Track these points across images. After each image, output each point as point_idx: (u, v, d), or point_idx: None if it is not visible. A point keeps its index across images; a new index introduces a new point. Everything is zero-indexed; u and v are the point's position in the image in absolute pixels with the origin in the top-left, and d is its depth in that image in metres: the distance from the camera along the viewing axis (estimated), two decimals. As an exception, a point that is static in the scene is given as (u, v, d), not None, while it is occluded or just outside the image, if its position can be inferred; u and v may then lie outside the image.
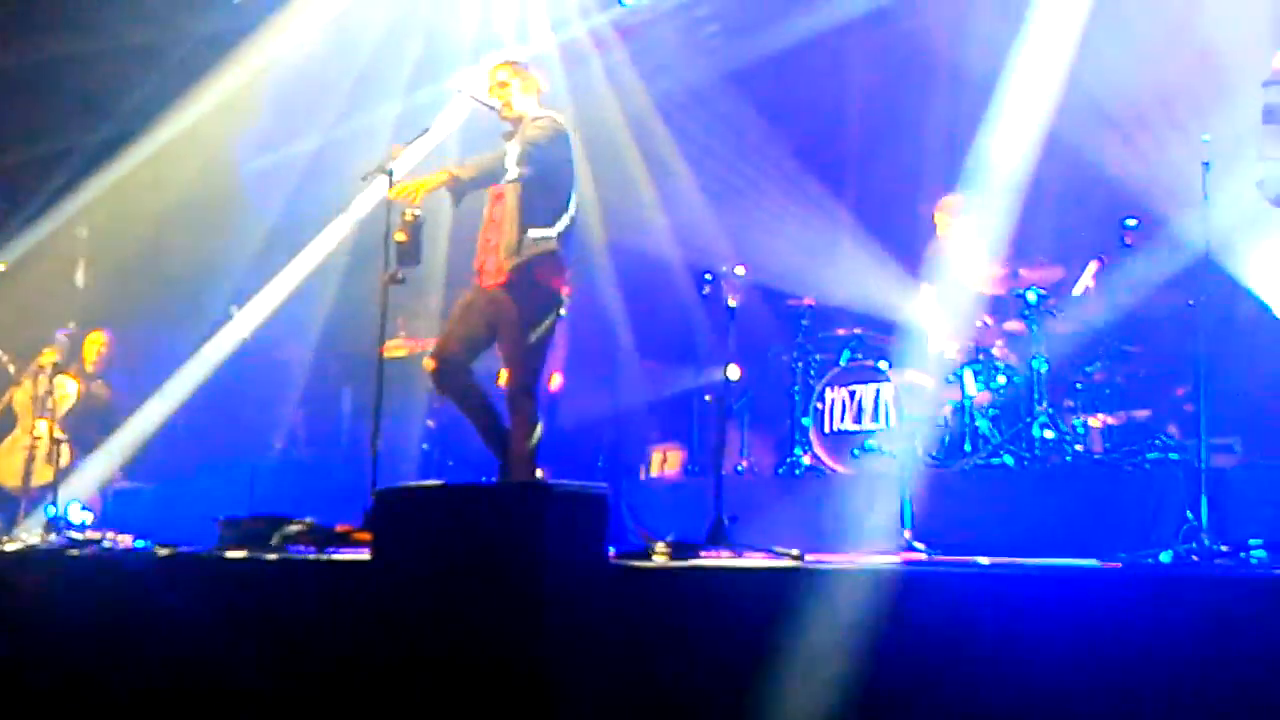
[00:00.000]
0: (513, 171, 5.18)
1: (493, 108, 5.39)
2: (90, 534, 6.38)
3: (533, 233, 5.15)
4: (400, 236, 5.14)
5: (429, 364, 5.32)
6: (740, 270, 5.64)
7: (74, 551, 5.57)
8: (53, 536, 6.34)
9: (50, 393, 7.27)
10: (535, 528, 3.59)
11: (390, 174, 5.26)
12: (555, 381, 7.79)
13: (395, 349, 6.79)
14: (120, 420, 8.06)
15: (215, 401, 8.49)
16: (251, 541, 4.76)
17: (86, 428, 7.87)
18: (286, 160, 8.89)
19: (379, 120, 8.09)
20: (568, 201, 5.26)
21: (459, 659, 3.50)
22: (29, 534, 6.65)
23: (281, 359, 9.07)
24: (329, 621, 3.91)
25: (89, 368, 8.20)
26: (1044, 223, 7.67)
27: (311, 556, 4.56)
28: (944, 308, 6.98)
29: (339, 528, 4.90)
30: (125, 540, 6.02)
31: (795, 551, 4.70)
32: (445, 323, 5.46)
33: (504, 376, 5.22)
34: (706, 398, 7.96)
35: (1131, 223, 6.21)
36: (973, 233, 7.03)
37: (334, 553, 4.60)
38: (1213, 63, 6.47)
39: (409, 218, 5.19)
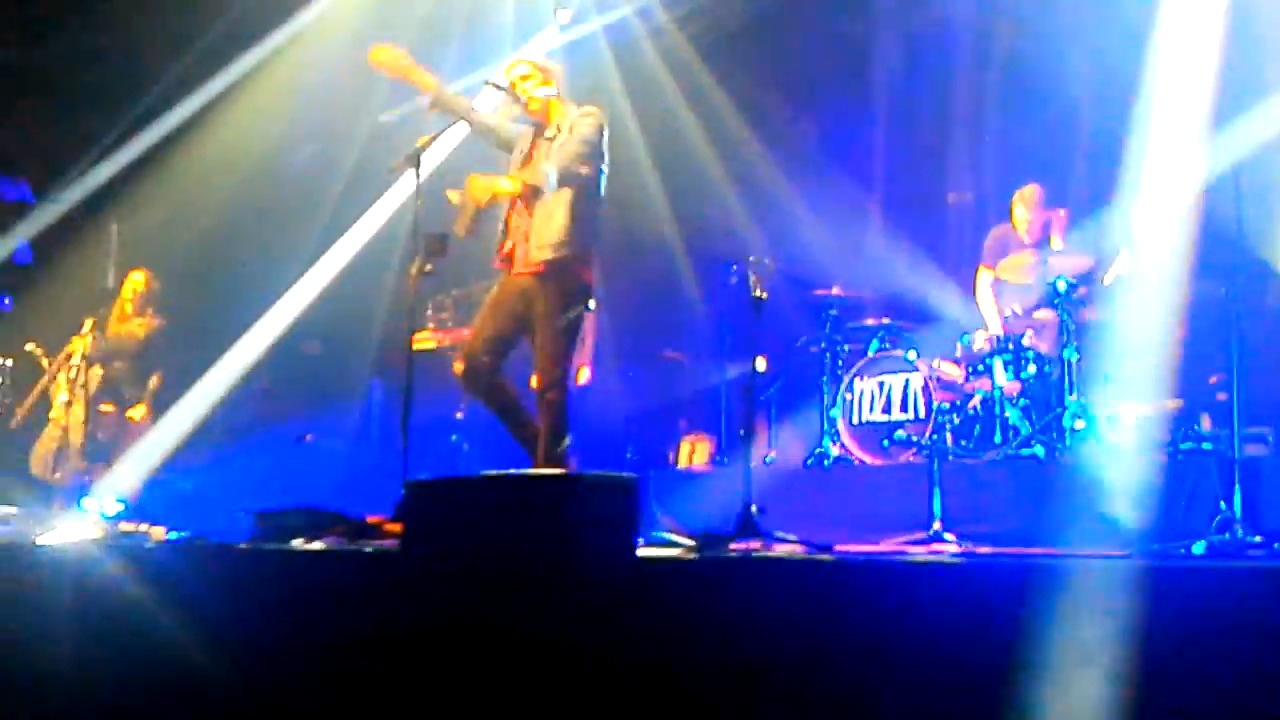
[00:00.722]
0: (553, 164, 5.15)
1: (519, 100, 5.40)
2: (125, 525, 6.43)
3: (573, 226, 5.16)
4: (454, 197, 5.13)
5: (458, 366, 5.34)
6: (768, 261, 5.64)
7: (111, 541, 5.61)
8: (96, 529, 6.38)
9: (84, 384, 7.34)
10: (564, 518, 3.60)
11: (419, 165, 5.27)
12: (584, 375, 7.81)
13: (425, 340, 6.81)
14: (157, 358, 8.05)
15: (247, 393, 8.55)
16: (283, 534, 4.80)
17: (122, 379, 7.87)
18: (333, 153, 8.92)
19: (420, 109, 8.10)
20: (600, 194, 5.28)
21: (488, 650, 3.51)
22: (66, 525, 6.71)
23: (312, 350, 9.12)
24: (359, 613, 3.93)
25: (127, 308, 8.15)
26: (1076, 213, 7.64)
27: (343, 548, 4.59)
28: (996, 294, 7.04)
29: (370, 519, 4.94)
30: (159, 532, 6.07)
31: (825, 543, 4.70)
32: (474, 320, 5.44)
33: (535, 378, 5.23)
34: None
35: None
36: (1041, 224, 7.05)
37: (365, 544, 4.64)
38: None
39: (456, 199, 5.19)
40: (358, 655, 3.79)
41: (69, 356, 7.50)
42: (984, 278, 7.18)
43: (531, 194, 5.15)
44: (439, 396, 7.57)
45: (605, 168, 5.31)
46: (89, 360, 7.44)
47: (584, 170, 5.18)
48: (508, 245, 5.30)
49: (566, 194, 5.16)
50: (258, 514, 5.08)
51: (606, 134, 5.32)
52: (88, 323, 7.49)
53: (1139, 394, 6.33)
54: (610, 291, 8.34)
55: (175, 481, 8.15)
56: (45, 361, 7.98)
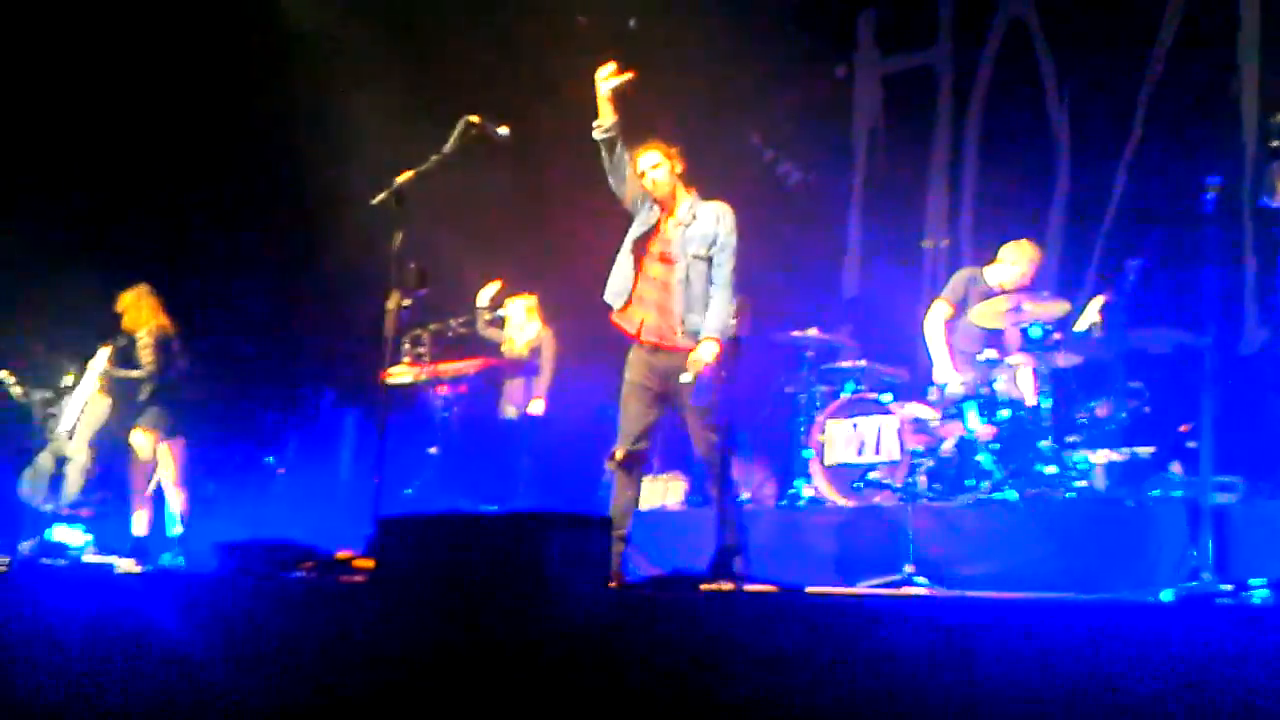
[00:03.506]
0: (693, 251, 5.36)
1: (499, 140, 5.45)
2: (89, 556, 6.38)
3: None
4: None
5: (619, 456, 5.43)
6: (745, 301, 5.66)
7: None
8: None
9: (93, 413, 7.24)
10: (536, 557, 3.59)
11: (401, 199, 5.28)
12: (538, 407, 7.82)
13: (400, 374, 6.79)
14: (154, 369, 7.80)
15: (218, 425, 8.49)
16: (252, 567, 4.76)
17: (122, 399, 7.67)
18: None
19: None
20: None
21: (456, 689, 3.49)
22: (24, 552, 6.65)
23: (287, 383, 9.09)
24: (328, 649, 3.90)
25: (125, 324, 7.79)
26: (1049, 258, 7.72)
27: (312, 582, 4.55)
28: (958, 336, 7.01)
29: (340, 554, 4.90)
30: (128, 564, 6.02)
31: (797, 584, 4.69)
32: (622, 414, 5.53)
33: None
34: None
35: (1134, 263, 6.25)
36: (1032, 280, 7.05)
37: (335, 580, 4.60)
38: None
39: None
40: (325, 691, 3.76)
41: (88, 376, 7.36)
42: (938, 310, 7.08)
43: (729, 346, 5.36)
44: (413, 430, 7.56)
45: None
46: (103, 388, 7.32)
47: (726, 261, 5.40)
48: (637, 316, 5.44)
49: (695, 279, 5.36)
50: (226, 547, 5.05)
51: None
52: (105, 350, 7.35)
53: (1110, 440, 6.38)
54: (589, 329, 8.37)
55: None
56: (16, 390, 7.86)
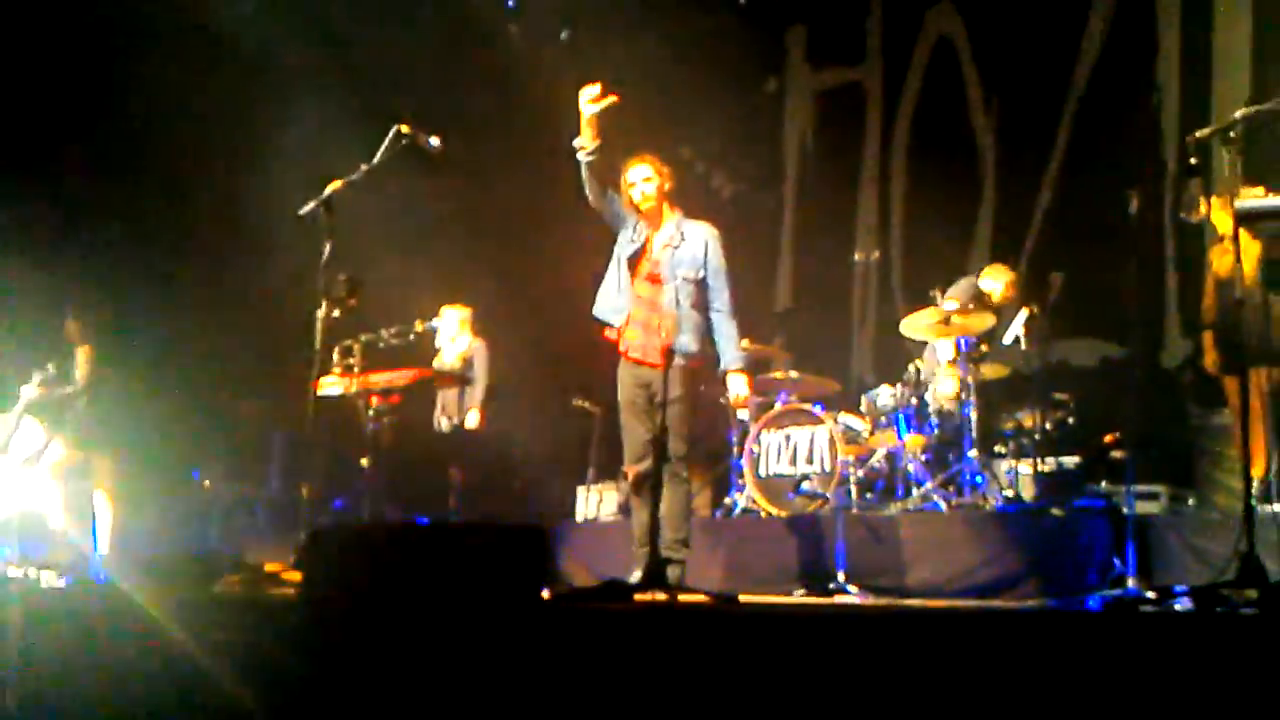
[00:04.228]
0: (682, 273, 5.40)
1: (430, 150, 5.42)
2: (11, 568, 6.21)
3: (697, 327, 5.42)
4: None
5: (630, 478, 5.43)
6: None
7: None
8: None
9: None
10: (467, 567, 3.56)
11: (330, 206, 5.22)
12: (474, 419, 7.78)
13: (330, 384, 6.71)
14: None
15: (145, 435, 8.33)
16: (178, 579, 4.68)
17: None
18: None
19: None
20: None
21: (386, 699, 3.45)
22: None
23: (213, 395, 8.95)
24: (256, 662, 3.84)
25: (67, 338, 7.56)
26: (975, 272, 7.82)
27: (240, 595, 4.49)
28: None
29: (269, 566, 4.84)
30: (49, 576, 5.88)
31: (730, 594, 4.70)
32: (625, 435, 5.54)
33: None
34: None
35: (1057, 275, 6.37)
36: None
37: (263, 591, 4.54)
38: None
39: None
40: (253, 705, 3.70)
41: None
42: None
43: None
44: (343, 442, 7.46)
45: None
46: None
47: (714, 283, 5.49)
48: (629, 334, 5.45)
49: (683, 299, 5.39)
50: (152, 559, 4.96)
51: None
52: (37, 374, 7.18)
53: (1037, 451, 6.47)
54: (524, 341, 8.35)
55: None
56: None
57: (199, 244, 9.08)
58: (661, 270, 5.43)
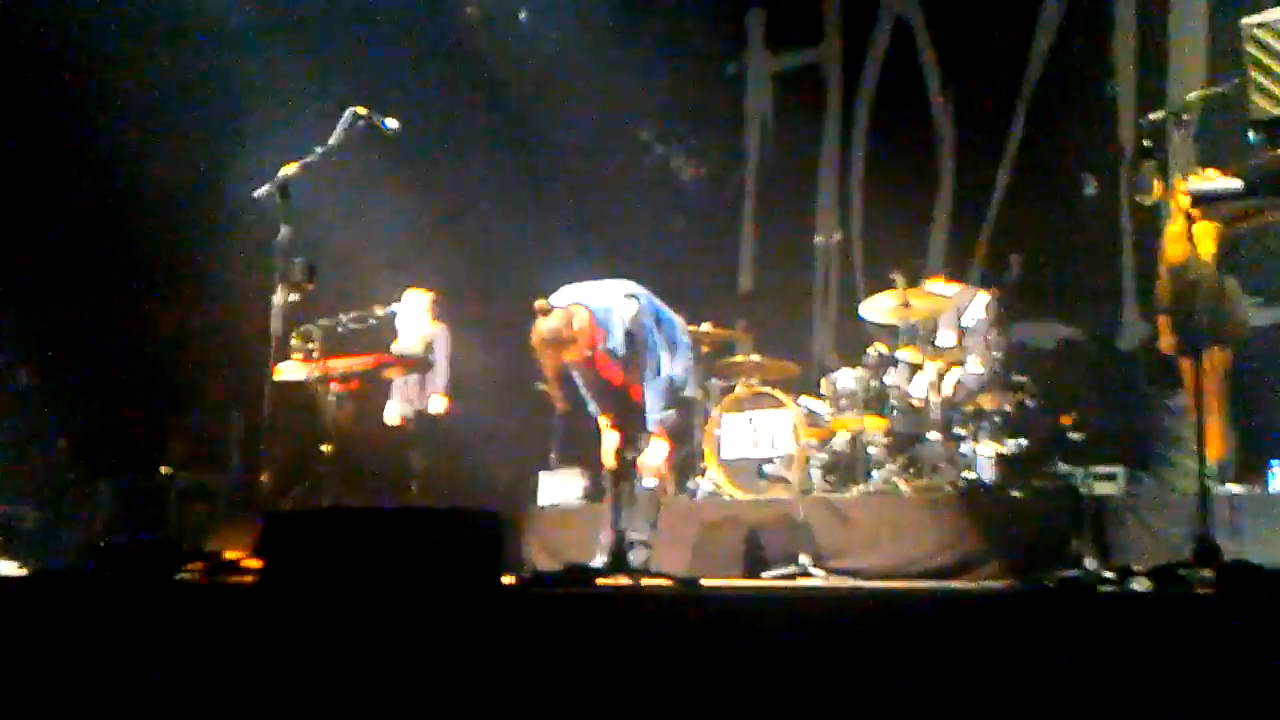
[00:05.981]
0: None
1: (384, 129, 5.35)
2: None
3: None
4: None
5: (610, 464, 5.42)
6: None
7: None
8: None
9: None
10: (426, 553, 3.54)
11: (285, 190, 5.15)
12: (437, 404, 7.74)
13: (289, 370, 6.64)
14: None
15: (100, 422, 8.24)
16: (135, 568, 4.62)
17: None
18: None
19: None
20: None
21: (347, 686, 3.43)
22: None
23: (172, 378, 8.85)
24: (216, 650, 3.80)
25: None
26: (935, 255, 7.86)
27: (199, 584, 4.44)
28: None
29: (227, 553, 4.79)
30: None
31: (693, 578, 4.71)
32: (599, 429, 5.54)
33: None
34: None
35: (1016, 257, 6.41)
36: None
37: (222, 579, 4.49)
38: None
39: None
40: (213, 695, 3.66)
41: None
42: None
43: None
44: (302, 429, 7.40)
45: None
46: None
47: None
48: None
49: None
50: (107, 547, 4.89)
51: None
52: None
53: (997, 433, 6.52)
54: (485, 325, 8.30)
55: (17, 514, 7.81)
56: None
57: (158, 224, 8.95)
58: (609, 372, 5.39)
